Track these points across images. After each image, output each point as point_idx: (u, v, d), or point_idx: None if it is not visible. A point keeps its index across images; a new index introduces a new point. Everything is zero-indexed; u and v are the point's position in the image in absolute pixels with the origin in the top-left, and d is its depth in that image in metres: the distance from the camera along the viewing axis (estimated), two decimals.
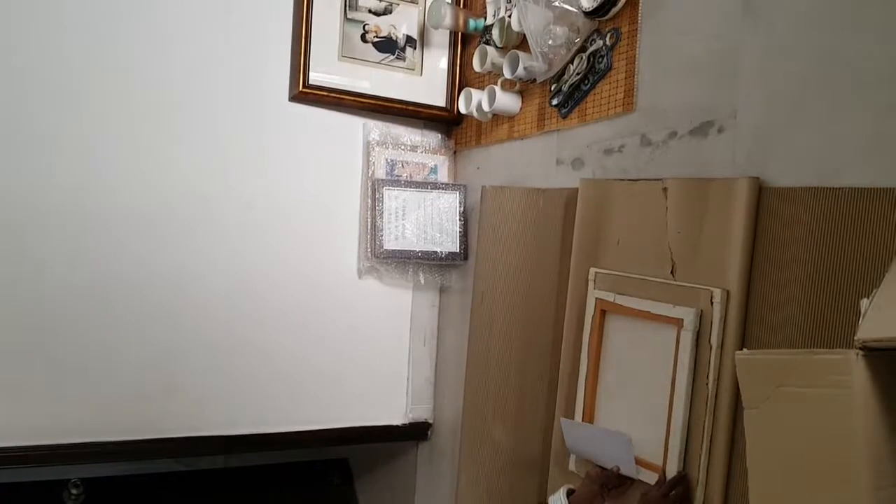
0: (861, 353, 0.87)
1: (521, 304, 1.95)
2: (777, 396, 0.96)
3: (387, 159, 2.27)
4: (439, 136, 2.39)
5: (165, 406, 2.01)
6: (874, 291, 0.93)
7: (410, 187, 2.25)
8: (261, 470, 2.45)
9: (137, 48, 1.97)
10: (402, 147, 2.30)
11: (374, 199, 2.21)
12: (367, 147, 2.25)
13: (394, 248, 2.22)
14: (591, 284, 1.65)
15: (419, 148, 2.32)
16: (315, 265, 2.22)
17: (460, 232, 2.27)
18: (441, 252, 2.25)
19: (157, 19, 1.99)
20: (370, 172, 2.24)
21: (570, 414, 1.68)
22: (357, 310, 2.27)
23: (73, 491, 1.95)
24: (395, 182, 2.25)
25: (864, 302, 0.92)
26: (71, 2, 1.89)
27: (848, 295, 1.16)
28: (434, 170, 2.34)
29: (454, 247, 2.26)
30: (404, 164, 2.30)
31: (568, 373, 1.71)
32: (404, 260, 2.25)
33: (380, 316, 2.33)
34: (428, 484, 2.36)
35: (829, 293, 1.19)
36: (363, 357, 2.29)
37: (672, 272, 1.46)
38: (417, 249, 2.23)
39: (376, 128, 2.27)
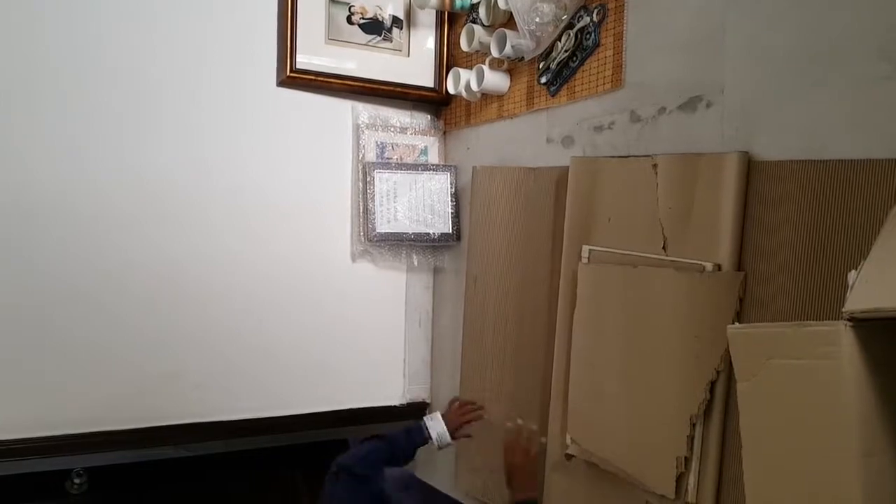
0: (849, 324, 0.89)
1: (514, 283, 1.96)
2: (768, 369, 0.98)
3: (377, 142, 2.26)
4: (428, 116, 2.38)
5: (165, 395, 2.02)
6: (861, 263, 0.94)
7: (401, 169, 2.25)
8: (261, 453, 2.46)
9: (119, 38, 1.94)
10: (392, 129, 2.29)
11: (364, 183, 2.21)
12: (357, 130, 2.25)
13: (386, 231, 2.22)
14: (583, 262, 1.66)
15: (409, 129, 2.32)
16: (308, 250, 2.22)
17: (452, 213, 2.27)
18: (433, 233, 2.25)
19: (138, 8, 1.96)
20: (360, 156, 2.24)
21: (566, 391, 1.70)
22: (352, 293, 2.28)
23: (76, 480, 1.97)
24: (386, 165, 2.24)
25: (852, 274, 0.94)
26: None
27: (836, 267, 1.18)
28: (424, 151, 2.34)
29: (446, 228, 2.27)
30: (394, 147, 2.29)
31: (564, 351, 1.72)
32: (397, 242, 2.25)
33: (375, 299, 2.34)
34: (427, 463, 2.38)
35: (817, 265, 1.21)
36: (360, 339, 2.30)
37: (664, 247, 1.48)
38: (410, 232, 2.23)
39: (365, 110, 2.26)
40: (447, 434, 1.87)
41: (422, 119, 2.36)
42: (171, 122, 2.01)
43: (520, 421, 1.80)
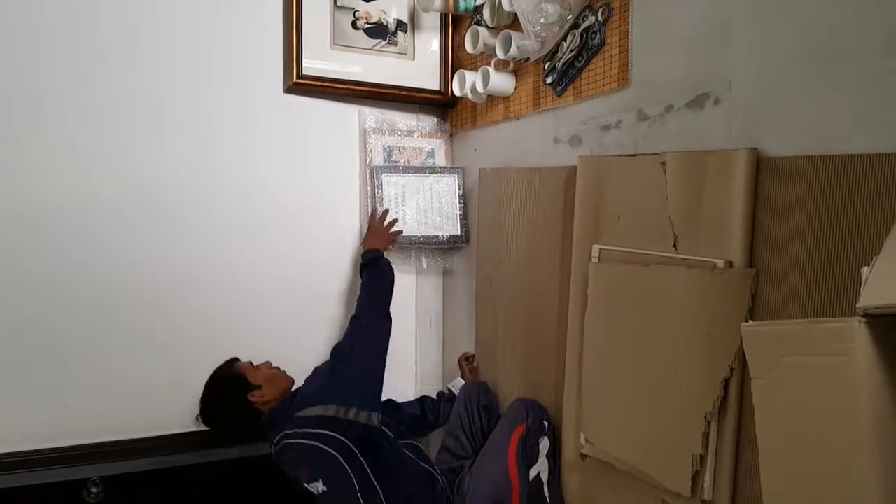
0: (863, 320, 0.88)
1: (525, 284, 1.96)
2: (783, 366, 0.98)
3: (384, 146, 2.27)
4: (435, 119, 2.38)
5: (177, 402, 2.03)
6: (874, 259, 0.94)
7: (409, 172, 2.25)
8: None
9: (126, 48, 1.96)
10: (399, 132, 2.30)
11: (373, 187, 2.21)
12: (364, 134, 2.25)
13: None
14: (594, 261, 1.66)
15: (415, 132, 2.32)
16: (319, 254, 2.22)
17: (460, 214, 2.27)
18: (442, 236, 2.25)
19: (145, 17, 1.98)
20: (368, 160, 2.24)
21: (579, 391, 1.70)
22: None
23: (93, 489, 1.97)
24: (394, 168, 2.25)
25: (865, 270, 0.93)
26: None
27: (848, 261, 1.17)
28: (431, 153, 2.34)
29: (455, 230, 2.27)
30: (401, 150, 2.29)
31: (576, 350, 1.72)
32: (406, 246, 2.26)
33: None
34: None
35: (829, 260, 1.20)
36: None
37: (674, 245, 1.47)
38: (419, 234, 2.23)
39: (372, 115, 2.26)
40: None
41: (428, 122, 2.36)
42: (177, 130, 2.02)
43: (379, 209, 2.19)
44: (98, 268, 1.94)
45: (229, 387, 1.88)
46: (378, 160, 2.25)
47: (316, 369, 1.90)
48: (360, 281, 2.12)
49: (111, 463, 1.98)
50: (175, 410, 2.04)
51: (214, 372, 1.93)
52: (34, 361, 1.89)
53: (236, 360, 1.95)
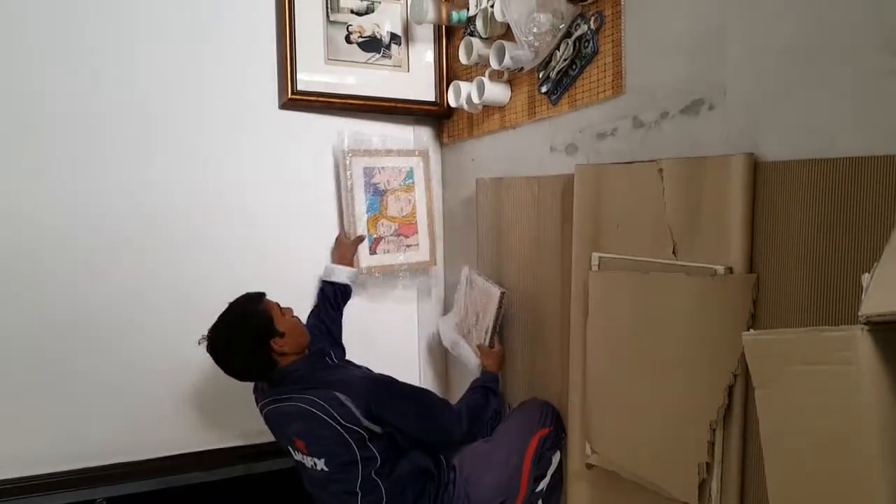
0: (866, 328, 0.88)
1: (526, 294, 1.95)
2: (786, 375, 0.97)
3: (364, 168, 2.21)
4: (431, 130, 2.38)
5: (181, 423, 2.04)
6: (875, 265, 0.93)
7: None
8: (282, 474, 2.46)
9: (120, 70, 1.96)
10: (377, 153, 2.23)
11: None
12: (343, 156, 2.19)
13: None
14: (594, 269, 1.66)
15: (393, 152, 2.26)
16: (316, 270, 2.22)
17: None
18: None
19: (141, 41, 1.98)
20: (349, 185, 2.18)
21: (584, 400, 1.70)
22: (364, 305, 2.28)
23: None
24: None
25: (866, 276, 0.93)
26: (53, 16, 1.88)
27: (850, 264, 1.17)
28: (410, 173, 2.29)
29: None
30: (381, 171, 2.23)
31: (579, 360, 1.71)
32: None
33: (387, 309, 2.35)
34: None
35: (830, 264, 1.20)
36: (374, 358, 2.29)
37: (674, 252, 1.47)
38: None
39: (351, 135, 2.21)
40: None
41: (404, 142, 2.33)
42: (173, 150, 2.03)
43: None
44: (99, 288, 1.94)
45: (254, 324, 1.72)
46: (359, 183, 2.20)
47: (373, 376, 1.81)
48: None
49: (118, 484, 1.99)
50: (180, 431, 2.05)
51: (241, 299, 1.76)
52: (39, 386, 1.89)
53: (264, 294, 1.78)
